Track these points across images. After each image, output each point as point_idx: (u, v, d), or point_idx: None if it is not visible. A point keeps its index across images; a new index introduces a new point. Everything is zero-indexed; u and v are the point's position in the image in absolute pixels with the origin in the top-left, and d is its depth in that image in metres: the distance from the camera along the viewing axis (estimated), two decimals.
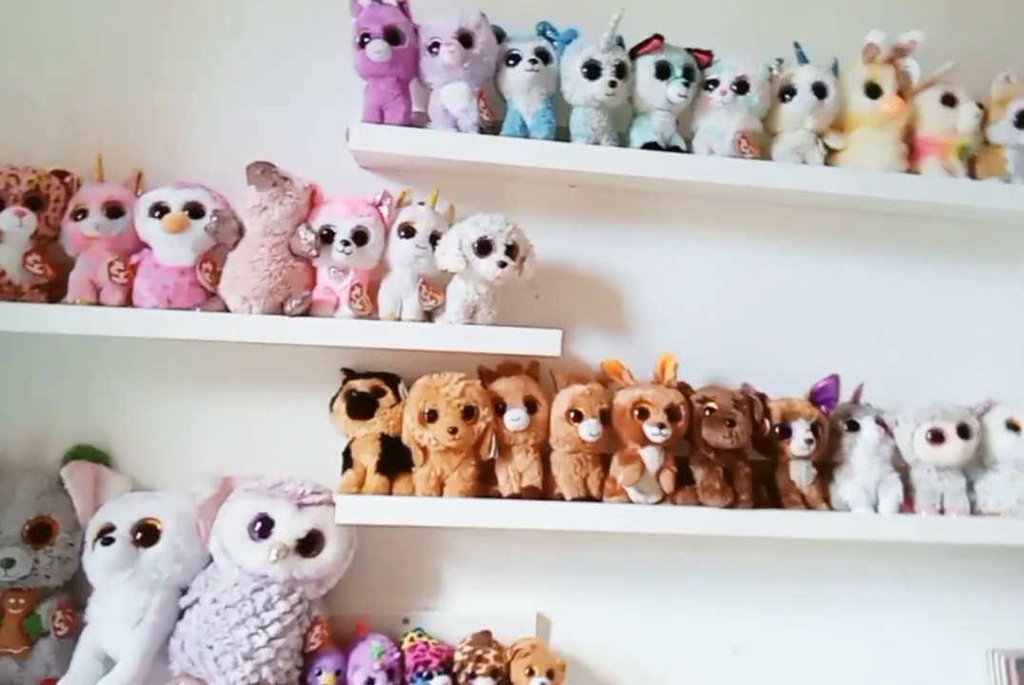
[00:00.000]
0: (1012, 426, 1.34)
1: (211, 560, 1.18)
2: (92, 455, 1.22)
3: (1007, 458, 1.34)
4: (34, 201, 1.13)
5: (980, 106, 1.36)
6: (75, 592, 1.18)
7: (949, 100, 1.36)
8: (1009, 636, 1.43)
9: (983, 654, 1.42)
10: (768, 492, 1.29)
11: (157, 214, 1.15)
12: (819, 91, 1.31)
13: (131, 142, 1.26)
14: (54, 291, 1.16)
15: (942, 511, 1.31)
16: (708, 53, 1.30)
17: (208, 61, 1.30)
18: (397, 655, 1.20)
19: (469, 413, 1.20)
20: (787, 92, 1.32)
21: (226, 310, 1.18)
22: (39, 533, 1.14)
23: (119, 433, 1.25)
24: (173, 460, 1.25)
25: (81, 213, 1.15)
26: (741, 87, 1.29)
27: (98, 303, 1.15)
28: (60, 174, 1.17)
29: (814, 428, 1.28)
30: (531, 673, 1.19)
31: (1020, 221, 1.44)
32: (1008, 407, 1.36)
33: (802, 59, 1.34)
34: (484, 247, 1.17)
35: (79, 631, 1.15)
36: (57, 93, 1.26)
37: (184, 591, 1.17)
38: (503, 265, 1.17)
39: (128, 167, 1.21)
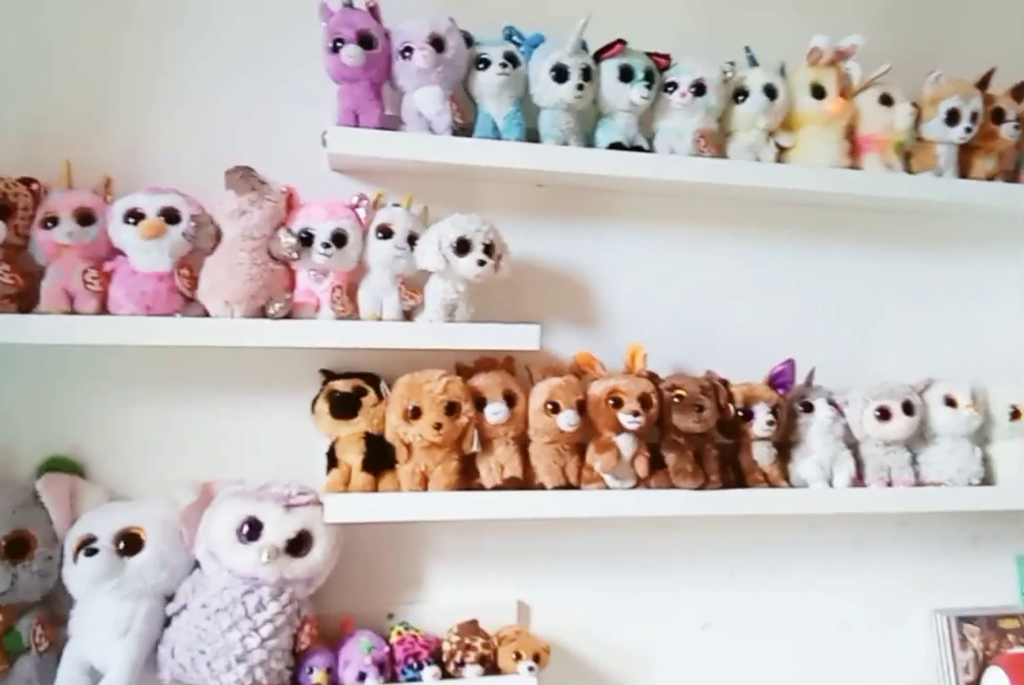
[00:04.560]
0: (949, 402, 1.43)
1: (196, 566, 1.17)
2: (66, 466, 1.20)
3: (946, 431, 1.43)
4: (2, 210, 1.10)
5: (914, 105, 1.44)
6: (53, 606, 1.16)
7: (886, 100, 1.43)
8: (951, 597, 1.53)
9: (927, 614, 1.51)
10: (733, 472, 1.35)
11: (132, 220, 1.14)
12: (770, 92, 1.37)
13: (96, 148, 1.23)
14: (24, 301, 1.12)
15: (890, 483, 1.40)
16: (667, 57, 1.35)
17: (175, 64, 1.28)
18: (386, 649, 1.21)
19: (452, 409, 1.22)
20: (740, 94, 1.38)
21: (206, 315, 1.16)
22: (16, 548, 1.11)
23: (93, 443, 1.22)
24: (149, 468, 1.23)
25: (51, 221, 1.12)
26: (699, 89, 1.34)
27: (72, 312, 1.13)
28: (27, 181, 1.13)
29: (774, 410, 1.35)
30: (518, 657, 1.22)
31: (952, 211, 1.54)
32: (945, 384, 1.45)
33: (752, 62, 1.40)
34: (463, 246, 1.20)
35: (60, 646, 1.12)
36: (19, 98, 1.22)
37: (169, 598, 1.16)
38: (482, 264, 1.19)
39: (94, 173, 1.18)
